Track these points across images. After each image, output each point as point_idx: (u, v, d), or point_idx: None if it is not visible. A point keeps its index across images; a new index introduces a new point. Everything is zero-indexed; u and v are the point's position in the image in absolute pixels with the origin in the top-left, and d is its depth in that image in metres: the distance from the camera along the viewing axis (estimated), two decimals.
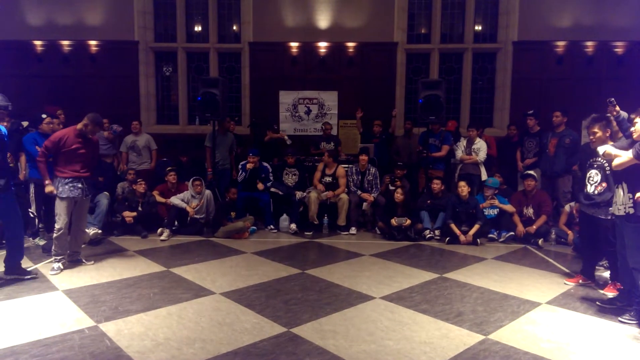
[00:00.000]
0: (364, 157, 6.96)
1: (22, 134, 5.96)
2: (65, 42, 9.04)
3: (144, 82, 9.25)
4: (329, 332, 3.31)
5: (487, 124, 8.84)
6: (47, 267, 4.72)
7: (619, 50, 8.65)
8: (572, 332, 3.39)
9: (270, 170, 7.16)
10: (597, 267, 4.69)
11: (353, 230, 6.67)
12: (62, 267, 4.69)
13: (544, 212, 6.24)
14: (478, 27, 9.22)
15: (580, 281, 4.48)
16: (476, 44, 9.16)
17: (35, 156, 5.58)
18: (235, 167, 7.61)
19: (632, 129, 3.61)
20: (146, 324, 3.41)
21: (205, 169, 7.57)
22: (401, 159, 7.54)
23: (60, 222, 4.68)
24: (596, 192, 4.13)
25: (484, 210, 6.34)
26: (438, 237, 6.30)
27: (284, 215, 6.81)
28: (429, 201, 6.63)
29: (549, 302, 4.00)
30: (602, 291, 4.23)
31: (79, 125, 4.77)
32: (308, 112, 9.08)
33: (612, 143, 3.92)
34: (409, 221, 6.22)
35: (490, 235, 6.27)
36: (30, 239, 5.87)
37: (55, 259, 4.69)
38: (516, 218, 6.29)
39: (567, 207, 6.29)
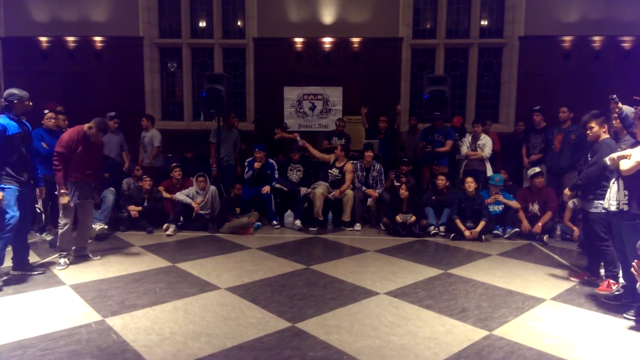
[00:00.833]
0: (369, 154, 6.96)
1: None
2: (71, 39, 9.07)
3: (149, 78, 9.28)
4: (333, 327, 3.32)
5: (493, 119, 8.78)
6: (54, 263, 4.76)
7: (626, 45, 8.58)
8: (577, 328, 3.38)
9: (276, 167, 7.17)
10: (601, 264, 4.68)
11: (357, 226, 6.68)
12: (68, 262, 4.73)
13: (549, 208, 6.22)
14: (484, 22, 9.16)
15: (586, 278, 4.46)
16: (482, 39, 9.10)
17: (41, 152, 5.63)
18: (240, 163, 7.63)
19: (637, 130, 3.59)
20: (152, 319, 3.44)
21: (210, 165, 7.59)
22: (406, 155, 7.54)
23: (65, 217, 4.72)
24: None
25: (489, 206, 6.33)
26: (443, 233, 6.30)
27: (289, 211, 6.82)
28: (433, 197, 6.62)
29: (553, 299, 3.99)
30: (597, 290, 4.15)
31: (85, 127, 4.75)
32: (313, 108, 9.07)
33: (607, 136, 3.94)
34: (413, 217, 6.22)
35: (495, 232, 6.25)
36: (37, 234, 5.92)
37: (61, 254, 4.74)
38: (521, 214, 6.27)
39: (570, 204, 6.25)
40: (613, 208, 3.61)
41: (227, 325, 3.34)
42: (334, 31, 8.96)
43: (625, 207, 3.52)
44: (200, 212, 6.45)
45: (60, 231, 4.73)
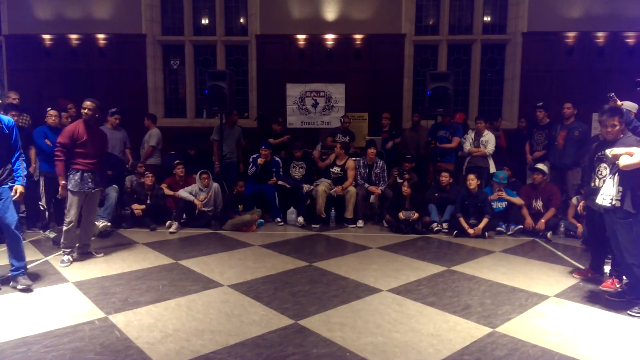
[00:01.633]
0: (372, 151, 6.95)
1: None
2: (74, 36, 9.08)
3: (152, 76, 9.28)
4: (336, 324, 3.32)
5: (496, 116, 8.74)
6: (58, 260, 4.78)
7: (630, 41, 8.52)
8: (580, 325, 3.37)
9: (281, 164, 7.18)
10: (605, 261, 4.66)
11: (360, 223, 6.68)
12: (71, 259, 4.75)
13: (552, 205, 6.20)
14: (487, 18, 9.12)
15: (590, 275, 4.45)
16: (485, 35, 9.06)
17: (45, 149, 5.65)
18: (243, 160, 7.63)
19: None
20: (155, 316, 3.45)
21: (213, 162, 7.60)
22: (409, 151, 7.52)
23: (70, 215, 4.72)
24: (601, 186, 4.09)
25: (492, 202, 6.31)
26: (446, 230, 6.29)
27: (292, 208, 6.82)
28: (436, 194, 6.61)
29: (557, 295, 3.98)
30: (600, 287, 4.11)
31: (84, 116, 4.77)
32: (315, 104, 9.06)
33: (622, 136, 3.87)
34: (416, 214, 6.21)
35: (499, 228, 6.24)
36: (41, 231, 5.95)
37: (64, 251, 4.74)
38: (525, 211, 6.26)
39: (574, 200, 6.24)
40: (606, 203, 3.58)
41: (230, 323, 3.34)
42: (337, 28, 8.93)
43: (618, 204, 3.49)
44: (203, 209, 6.46)
45: (64, 228, 4.74)
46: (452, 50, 9.20)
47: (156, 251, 5.25)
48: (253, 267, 4.68)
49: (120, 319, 3.37)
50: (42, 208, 5.96)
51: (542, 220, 6.04)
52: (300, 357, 2.85)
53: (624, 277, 4.02)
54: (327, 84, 8.98)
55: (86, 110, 4.74)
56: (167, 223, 6.34)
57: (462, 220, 6.06)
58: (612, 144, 3.82)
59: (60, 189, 4.72)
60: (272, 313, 3.52)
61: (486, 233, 6.00)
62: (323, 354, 2.89)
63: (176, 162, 7.00)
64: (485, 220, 5.99)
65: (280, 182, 6.95)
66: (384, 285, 4.15)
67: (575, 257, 5.23)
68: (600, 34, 8.54)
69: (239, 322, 3.36)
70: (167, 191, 6.73)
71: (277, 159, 7.22)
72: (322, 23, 8.94)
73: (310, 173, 7.18)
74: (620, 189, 3.48)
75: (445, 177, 6.59)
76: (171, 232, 6.14)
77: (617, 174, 3.54)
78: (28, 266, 4.58)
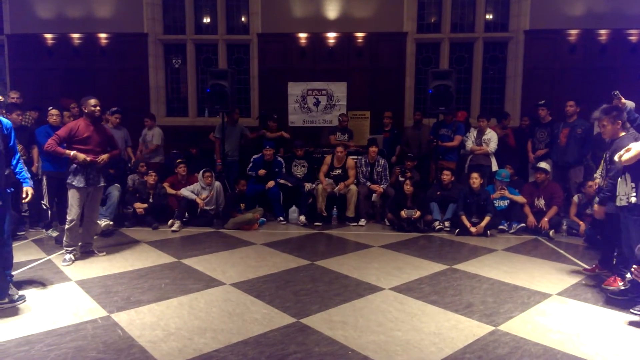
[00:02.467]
0: (373, 149, 6.94)
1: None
2: (76, 35, 9.09)
3: (154, 75, 9.29)
4: (338, 323, 3.32)
5: (498, 114, 8.72)
6: (60, 258, 4.78)
7: (633, 39, 8.49)
8: (583, 324, 3.37)
9: (284, 164, 7.18)
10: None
11: (362, 221, 6.68)
12: (73, 258, 4.75)
13: (555, 203, 6.18)
14: (489, 16, 9.10)
15: (597, 271, 4.43)
16: (487, 33, 9.04)
17: None
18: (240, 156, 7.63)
19: None
20: (158, 314, 3.45)
21: (215, 160, 7.60)
22: (411, 150, 7.51)
23: (72, 213, 4.72)
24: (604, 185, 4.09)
25: (495, 201, 6.30)
26: (448, 229, 6.28)
27: (293, 207, 6.82)
28: (438, 192, 6.59)
29: (559, 294, 3.97)
30: (603, 285, 4.08)
31: (96, 113, 4.79)
32: (317, 103, 9.06)
33: (624, 133, 3.86)
34: (418, 213, 6.20)
35: (501, 227, 6.23)
36: (43, 230, 5.96)
37: (67, 250, 4.75)
38: (527, 209, 6.24)
39: (575, 198, 6.22)
40: (623, 203, 3.59)
41: (232, 321, 3.34)
42: (338, 26, 8.92)
43: (633, 200, 3.48)
44: (205, 208, 6.47)
45: (66, 227, 4.74)
46: (454, 49, 9.18)
47: (158, 250, 5.26)
48: (255, 266, 4.68)
49: (122, 318, 3.38)
50: (44, 207, 5.97)
51: (545, 219, 6.02)
52: (302, 355, 2.85)
53: (628, 275, 4.00)
54: (329, 82, 8.98)
55: (98, 108, 4.77)
56: (170, 222, 6.34)
57: (464, 218, 6.05)
58: (610, 143, 3.85)
59: (75, 155, 4.62)
60: (274, 311, 3.52)
61: (488, 231, 5.99)
62: (325, 353, 2.89)
63: (178, 160, 7.00)
64: (487, 219, 5.98)
65: (282, 181, 6.95)
66: (386, 284, 4.15)
67: (578, 255, 5.22)
68: (602, 31, 8.51)
69: (241, 320, 3.36)
70: (169, 190, 6.74)
71: (280, 158, 7.22)
72: (323, 21, 8.93)
73: (312, 171, 7.17)
74: (633, 185, 3.48)
75: (447, 176, 6.58)
76: (173, 231, 6.15)
77: (626, 173, 3.54)
78: (31, 265, 4.64)
